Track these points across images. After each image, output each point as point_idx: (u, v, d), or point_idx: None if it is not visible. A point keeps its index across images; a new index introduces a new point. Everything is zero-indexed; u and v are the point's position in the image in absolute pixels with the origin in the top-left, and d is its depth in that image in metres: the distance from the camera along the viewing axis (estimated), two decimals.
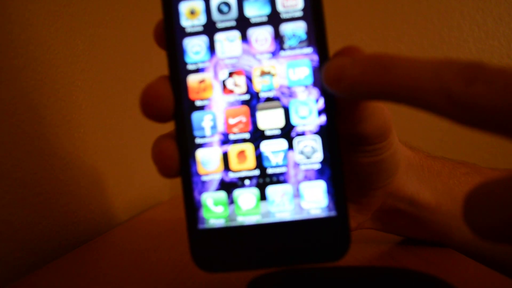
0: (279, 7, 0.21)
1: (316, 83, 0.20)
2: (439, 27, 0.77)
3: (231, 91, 0.21)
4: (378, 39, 0.77)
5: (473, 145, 0.76)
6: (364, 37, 0.77)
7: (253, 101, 0.21)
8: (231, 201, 0.20)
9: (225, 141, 0.21)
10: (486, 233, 0.14)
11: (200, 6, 0.21)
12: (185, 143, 0.21)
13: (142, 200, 0.59)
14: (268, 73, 0.21)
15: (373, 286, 0.20)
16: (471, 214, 0.14)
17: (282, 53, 0.21)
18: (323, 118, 0.20)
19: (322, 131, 0.20)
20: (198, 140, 0.21)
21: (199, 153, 0.21)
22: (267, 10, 0.21)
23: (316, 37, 0.20)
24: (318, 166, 0.20)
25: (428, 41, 0.77)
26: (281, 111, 0.20)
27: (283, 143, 0.20)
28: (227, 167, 0.21)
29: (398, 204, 0.30)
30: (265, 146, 0.21)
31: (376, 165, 0.26)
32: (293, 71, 0.20)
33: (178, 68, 0.21)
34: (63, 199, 0.35)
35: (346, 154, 0.25)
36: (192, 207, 0.20)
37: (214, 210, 0.20)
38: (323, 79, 0.19)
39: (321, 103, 0.20)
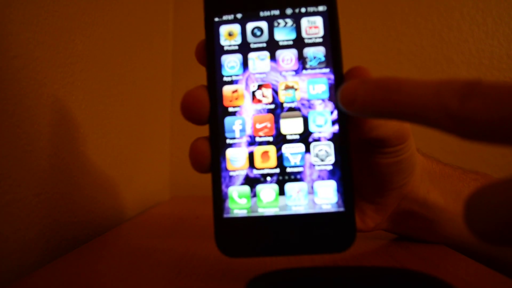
0: (303, 34, 0.25)
1: (331, 98, 0.24)
2: (439, 27, 0.77)
3: (259, 101, 0.25)
4: (378, 39, 0.77)
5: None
6: (364, 37, 0.77)
7: (277, 110, 0.24)
8: (253, 194, 0.24)
9: (252, 142, 0.24)
10: (486, 235, 0.14)
11: (237, 29, 0.25)
12: (217, 143, 0.24)
13: (142, 200, 0.59)
14: (292, 88, 0.24)
15: (373, 286, 0.20)
16: (471, 216, 0.14)
17: (304, 71, 0.24)
18: (336, 127, 0.24)
19: (335, 138, 0.24)
20: (228, 141, 0.24)
21: (229, 152, 0.24)
22: (293, 35, 0.25)
23: (333, 60, 0.24)
24: (330, 167, 0.23)
25: (428, 41, 0.77)
26: (301, 120, 0.24)
27: (301, 146, 0.24)
28: (252, 165, 0.24)
29: (411, 205, 0.31)
30: (285, 148, 0.24)
31: (396, 165, 0.28)
32: (312, 87, 0.24)
33: (216, 80, 0.24)
34: (63, 199, 0.35)
35: (368, 156, 0.27)
36: (220, 199, 0.23)
37: (239, 201, 0.24)
38: (339, 101, 0.22)
39: (335, 114, 0.24)
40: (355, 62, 0.79)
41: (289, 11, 0.25)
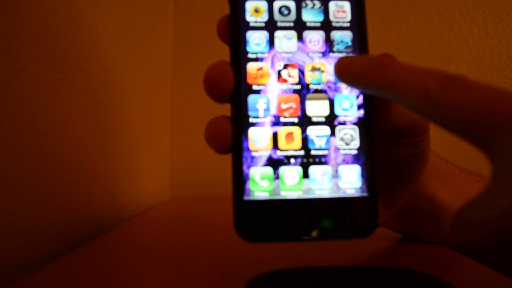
0: (331, 17, 0.25)
1: None
2: (439, 27, 0.77)
3: (285, 80, 0.24)
4: (378, 39, 0.77)
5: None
6: None
7: (303, 91, 0.24)
8: (276, 176, 0.23)
9: (276, 123, 0.23)
10: (468, 250, 0.15)
11: (264, 6, 0.25)
12: (240, 121, 0.23)
13: (142, 200, 0.59)
14: (318, 69, 0.24)
15: (373, 286, 0.20)
16: (454, 233, 0.15)
17: (331, 54, 0.24)
18: (361, 112, 0.24)
19: (360, 123, 0.24)
20: (251, 120, 0.23)
21: (252, 131, 0.23)
22: (321, 18, 0.25)
23: (360, 44, 0.25)
24: (355, 152, 0.23)
25: (428, 41, 0.77)
26: (326, 102, 0.24)
27: (326, 129, 0.24)
28: (275, 146, 0.23)
29: (420, 202, 0.32)
30: (311, 130, 0.24)
31: (414, 158, 0.28)
32: None
33: (240, 55, 0.24)
34: (63, 199, 0.35)
35: (387, 148, 0.28)
36: (241, 180, 0.22)
37: (261, 183, 0.23)
38: (334, 70, 0.23)
39: (361, 99, 0.24)
40: None
41: None
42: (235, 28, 0.24)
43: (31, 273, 0.26)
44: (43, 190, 0.32)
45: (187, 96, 0.76)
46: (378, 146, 0.27)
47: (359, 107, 0.24)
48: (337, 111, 0.24)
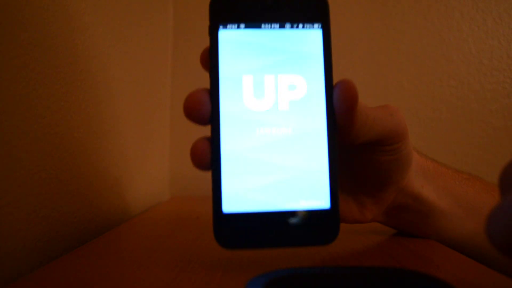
0: (300, 46, 0.27)
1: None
2: (439, 27, 0.77)
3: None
4: (378, 39, 0.77)
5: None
6: (363, 37, 0.77)
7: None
8: (251, 191, 0.25)
9: None
10: (504, 249, 0.14)
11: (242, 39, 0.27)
12: (217, 141, 0.25)
13: (142, 200, 0.59)
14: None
15: (373, 286, 0.20)
16: (490, 229, 0.15)
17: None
18: (325, 131, 0.26)
19: (323, 141, 0.26)
20: None
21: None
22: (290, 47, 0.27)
23: (325, 73, 0.27)
24: (319, 168, 0.26)
25: (428, 41, 0.77)
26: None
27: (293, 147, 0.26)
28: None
29: (406, 199, 0.33)
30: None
31: (394, 162, 0.30)
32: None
33: (217, 84, 0.26)
34: (63, 199, 0.35)
35: (369, 154, 0.30)
36: (219, 195, 0.25)
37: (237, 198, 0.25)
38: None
39: (323, 121, 0.26)
40: (355, 61, 0.79)
41: (288, 25, 0.27)
42: (214, 58, 0.26)
43: (31, 273, 0.26)
44: (43, 190, 0.32)
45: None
46: (361, 152, 0.30)
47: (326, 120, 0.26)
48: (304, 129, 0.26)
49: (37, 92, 0.31)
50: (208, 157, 0.25)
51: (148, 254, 0.31)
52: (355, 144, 0.28)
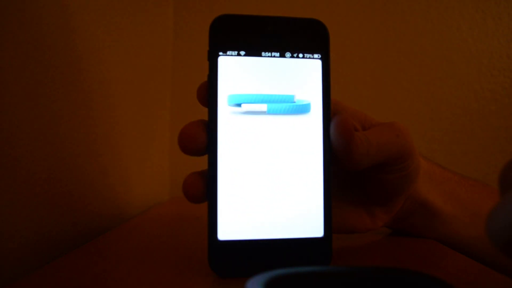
0: (299, 75, 0.27)
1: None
2: (439, 27, 0.77)
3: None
4: (378, 39, 0.77)
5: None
6: (363, 37, 0.77)
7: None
8: (245, 220, 0.26)
9: None
10: (504, 248, 0.14)
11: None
12: (214, 173, 0.26)
13: (142, 200, 0.59)
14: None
15: (373, 286, 0.20)
16: (490, 226, 0.15)
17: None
18: (320, 165, 0.26)
19: (318, 174, 0.26)
20: None
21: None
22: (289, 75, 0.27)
23: (323, 103, 0.27)
24: (314, 197, 0.26)
25: (428, 41, 0.77)
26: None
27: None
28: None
29: (413, 204, 0.34)
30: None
31: (402, 178, 0.31)
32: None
33: (215, 118, 0.26)
34: (63, 199, 0.35)
35: (378, 172, 0.31)
36: (215, 225, 0.25)
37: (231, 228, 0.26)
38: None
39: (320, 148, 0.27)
40: (355, 61, 0.79)
41: (288, 54, 0.27)
42: (212, 95, 0.26)
43: (31, 273, 0.26)
44: (43, 190, 0.32)
45: (187, 96, 0.75)
46: (370, 172, 0.31)
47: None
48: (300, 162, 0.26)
49: (38, 92, 0.31)
50: (202, 191, 0.25)
51: (148, 254, 0.31)
52: (362, 169, 0.29)
